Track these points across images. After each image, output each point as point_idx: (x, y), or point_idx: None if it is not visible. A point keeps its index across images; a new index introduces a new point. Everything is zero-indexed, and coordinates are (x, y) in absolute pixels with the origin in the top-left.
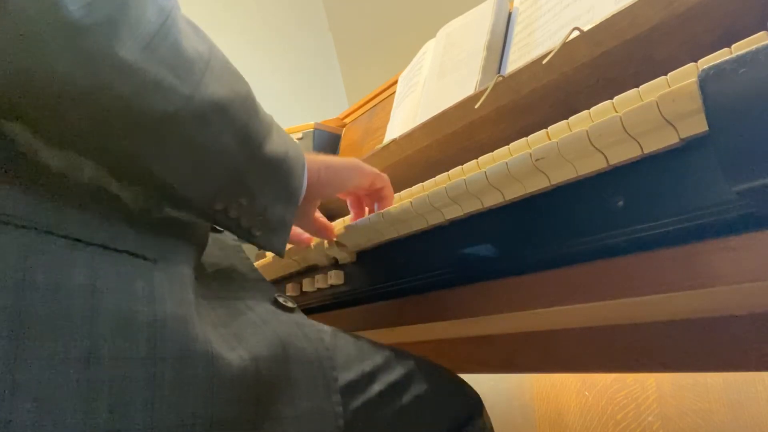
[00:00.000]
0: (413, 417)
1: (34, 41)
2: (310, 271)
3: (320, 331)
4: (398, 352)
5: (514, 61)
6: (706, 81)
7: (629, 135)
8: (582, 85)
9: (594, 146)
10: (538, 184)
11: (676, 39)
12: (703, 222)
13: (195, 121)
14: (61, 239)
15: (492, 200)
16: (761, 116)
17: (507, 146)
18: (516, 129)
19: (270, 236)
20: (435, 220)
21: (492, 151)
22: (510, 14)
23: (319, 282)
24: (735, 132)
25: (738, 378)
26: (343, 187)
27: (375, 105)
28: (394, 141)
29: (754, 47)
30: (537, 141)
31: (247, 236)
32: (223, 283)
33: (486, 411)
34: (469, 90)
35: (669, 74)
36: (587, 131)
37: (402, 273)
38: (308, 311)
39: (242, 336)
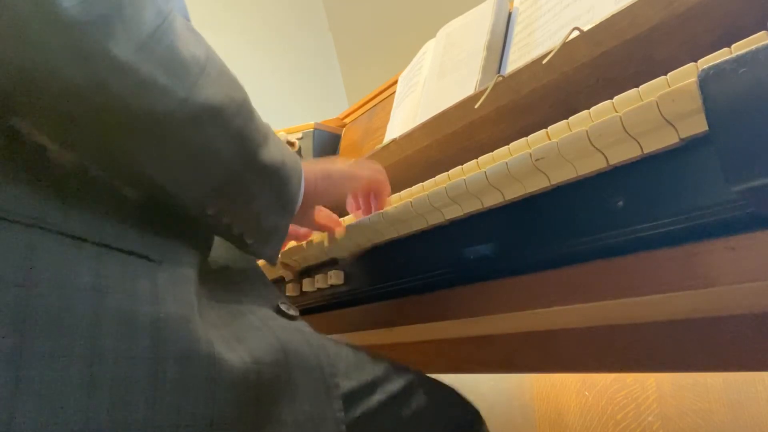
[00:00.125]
0: (413, 429)
1: (29, 38)
2: (310, 271)
3: (322, 338)
4: (397, 365)
5: (514, 61)
6: (706, 81)
7: (629, 135)
8: (582, 85)
9: (594, 146)
10: (538, 184)
11: (676, 39)
12: (703, 222)
13: (188, 124)
14: (66, 238)
15: (492, 200)
16: (761, 116)
17: (507, 146)
18: (516, 129)
19: (262, 244)
20: (435, 220)
21: (492, 151)
22: (510, 14)
23: (319, 282)
24: (735, 132)
25: (738, 378)
26: (340, 196)
27: (375, 105)
28: (394, 141)
29: (754, 47)
30: (537, 141)
31: (239, 243)
32: (227, 286)
33: (486, 425)
34: (469, 90)
35: (669, 74)
36: (587, 131)
37: (402, 273)
38: (308, 311)
39: (244, 338)
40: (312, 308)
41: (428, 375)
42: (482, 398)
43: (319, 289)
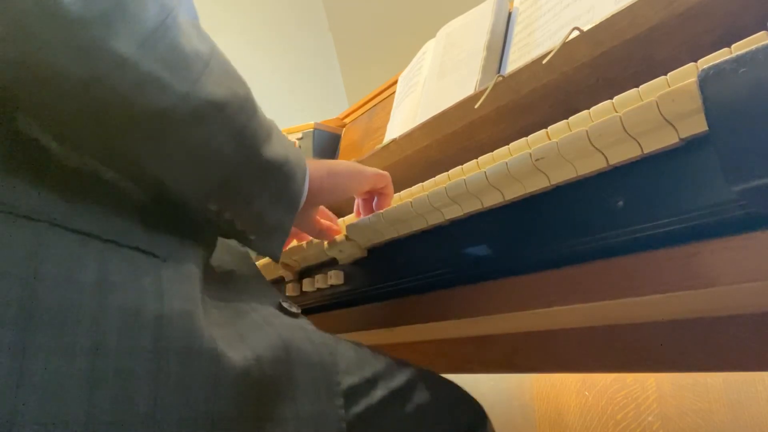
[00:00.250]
0: (416, 425)
1: (31, 34)
2: (310, 270)
3: (324, 336)
4: (399, 361)
5: (514, 61)
6: (705, 81)
7: (629, 135)
8: (582, 85)
9: (594, 146)
10: (538, 184)
11: (676, 39)
12: (702, 222)
13: (190, 120)
14: (73, 234)
15: (492, 200)
16: (761, 116)
17: (507, 146)
18: (516, 129)
19: (266, 241)
20: (435, 220)
21: (492, 151)
22: (510, 14)
23: (319, 282)
24: (735, 132)
25: (738, 378)
26: (344, 193)
27: (375, 105)
28: (394, 141)
29: (753, 47)
30: (537, 141)
31: (242, 239)
32: (229, 285)
33: (490, 423)
34: (469, 90)
35: (669, 74)
36: (587, 131)
37: (402, 273)
38: (308, 311)
39: (246, 336)
40: (312, 308)
41: (432, 371)
42: (482, 398)
43: (319, 289)
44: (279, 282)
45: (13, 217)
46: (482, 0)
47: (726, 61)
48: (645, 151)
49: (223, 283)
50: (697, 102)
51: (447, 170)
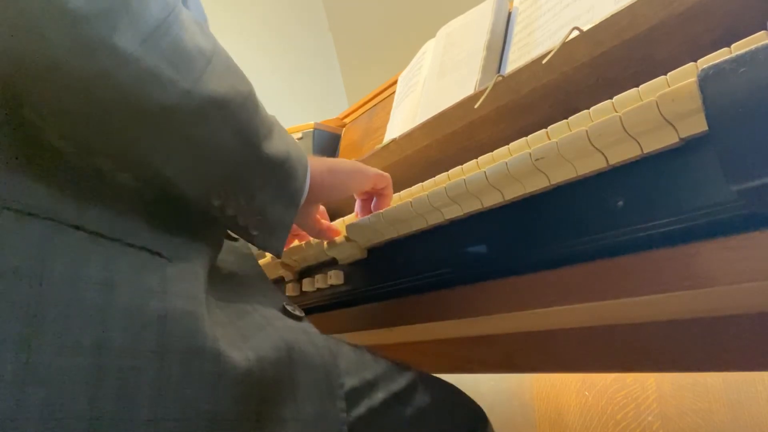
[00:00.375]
0: (416, 427)
1: (34, 28)
2: (310, 270)
3: (326, 339)
4: (399, 364)
5: (514, 61)
6: (705, 81)
7: (629, 135)
8: (582, 85)
9: (594, 146)
10: (537, 184)
11: (676, 39)
12: (702, 222)
13: (193, 116)
14: (80, 232)
15: (492, 200)
16: (761, 116)
17: (507, 146)
18: (516, 129)
19: (268, 236)
20: (435, 219)
21: (492, 150)
22: (510, 14)
23: (319, 282)
24: (735, 131)
25: (738, 378)
26: (346, 191)
27: (375, 105)
28: (393, 141)
29: (753, 47)
30: (537, 141)
31: (244, 235)
32: (233, 286)
33: (491, 425)
34: (468, 90)
35: (669, 74)
36: (587, 131)
37: (401, 273)
38: (308, 311)
39: (249, 337)
40: (312, 308)
41: (430, 374)
42: (482, 398)
43: (318, 289)
44: (279, 282)
45: (21, 215)
46: (482, 0)
47: (726, 61)
48: (645, 151)
49: (227, 284)
50: (697, 102)
51: (447, 170)
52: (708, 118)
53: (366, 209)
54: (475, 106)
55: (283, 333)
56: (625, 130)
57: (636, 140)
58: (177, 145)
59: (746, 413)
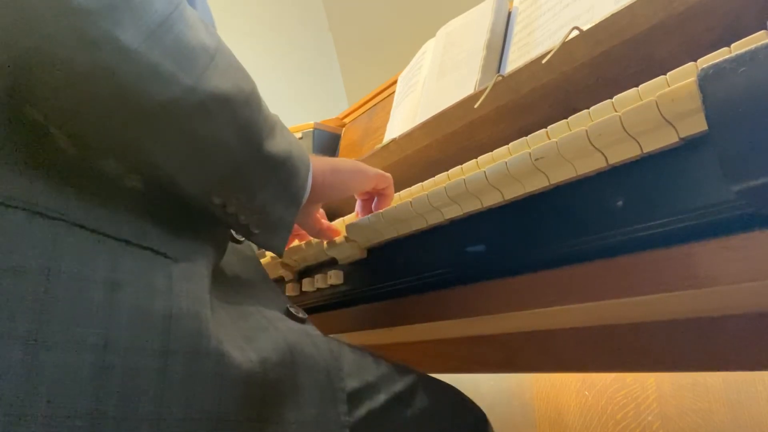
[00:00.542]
0: (417, 429)
1: (38, 25)
2: (310, 270)
3: (329, 341)
4: (400, 366)
5: (514, 61)
6: (705, 80)
7: (629, 134)
8: (581, 85)
9: (593, 146)
10: (537, 184)
11: (675, 38)
12: (702, 222)
13: (195, 113)
14: (88, 232)
15: (491, 200)
16: (761, 115)
17: (506, 146)
18: (516, 129)
19: (269, 235)
20: (434, 219)
21: (492, 150)
22: (510, 14)
23: (319, 282)
24: (735, 131)
25: (738, 378)
26: (347, 191)
27: (375, 105)
28: (393, 141)
29: (753, 46)
30: (536, 140)
31: (245, 233)
32: (237, 288)
33: (491, 427)
34: (468, 90)
35: (668, 74)
36: (587, 131)
37: (401, 273)
38: (308, 311)
39: (252, 338)
40: (312, 308)
41: (430, 375)
42: (482, 398)
43: (318, 289)
44: (279, 282)
45: (30, 214)
46: (482, 0)
47: (725, 61)
48: (644, 151)
49: (231, 286)
50: (697, 102)
51: (447, 170)
52: (708, 117)
53: (367, 209)
54: (475, 106)
55: (286, 335)
56: (625, 130)
57: (636, 140)
58: (179, 141)
59: (746, 413)
